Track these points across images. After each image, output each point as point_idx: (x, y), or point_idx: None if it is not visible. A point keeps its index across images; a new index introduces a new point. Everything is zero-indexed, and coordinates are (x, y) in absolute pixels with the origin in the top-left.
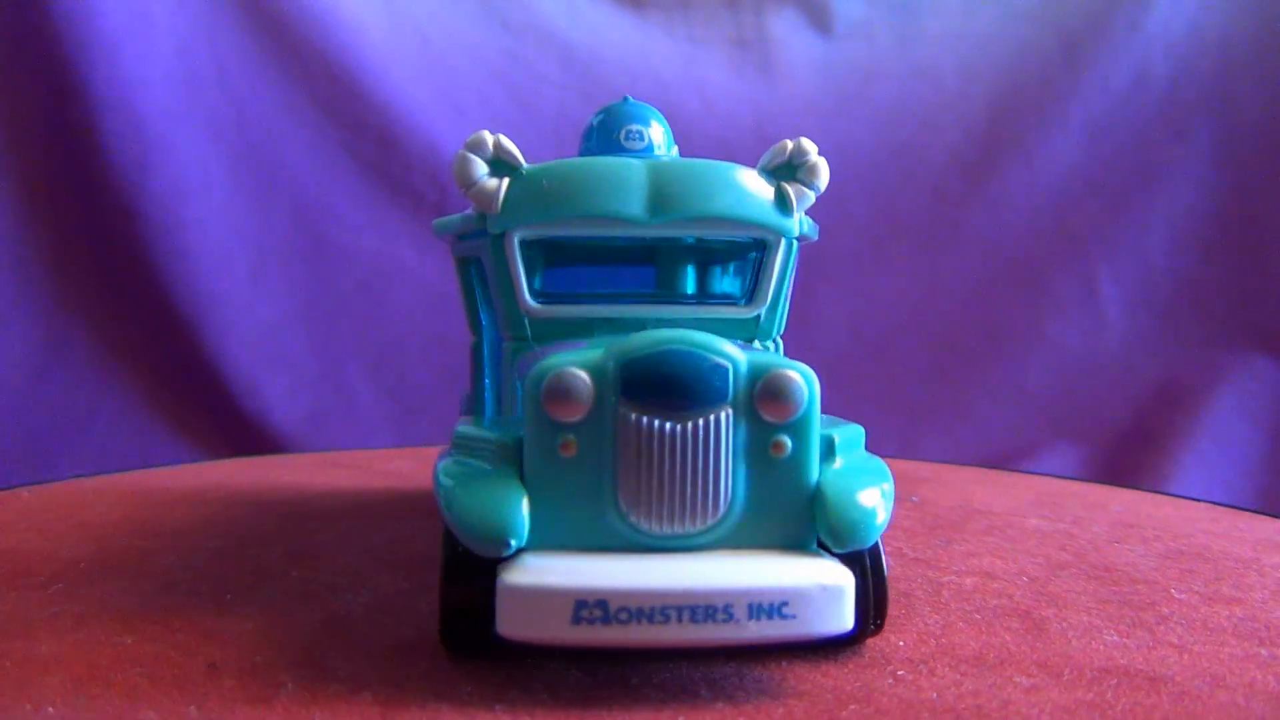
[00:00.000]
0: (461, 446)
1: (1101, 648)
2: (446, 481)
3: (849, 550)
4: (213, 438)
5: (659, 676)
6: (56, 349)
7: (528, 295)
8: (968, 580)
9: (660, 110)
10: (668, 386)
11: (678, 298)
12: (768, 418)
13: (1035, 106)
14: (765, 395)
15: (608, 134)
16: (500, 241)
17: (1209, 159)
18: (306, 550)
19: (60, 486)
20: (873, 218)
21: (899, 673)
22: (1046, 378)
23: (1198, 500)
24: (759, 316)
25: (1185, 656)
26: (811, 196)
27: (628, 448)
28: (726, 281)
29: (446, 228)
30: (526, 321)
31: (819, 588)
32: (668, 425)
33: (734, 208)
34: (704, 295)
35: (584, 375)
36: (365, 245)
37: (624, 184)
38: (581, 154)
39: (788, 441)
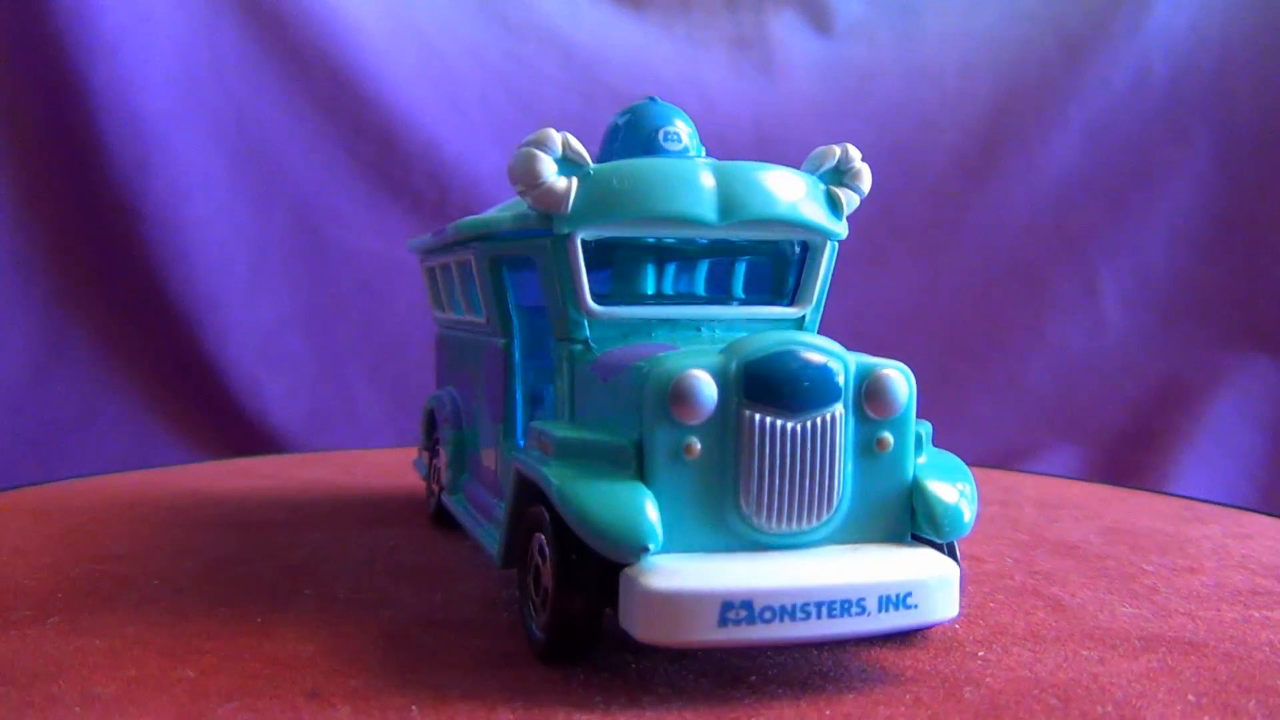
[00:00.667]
0: (565, 449)
1: (1127, 619)
2: (568, 486)
3: (948, 540)
4: (213, 438)
5: (774, 673)
6: (56, 349)
7: (589, 297)
8: (964, 564)
9: None
10: (789, 386)
11: (729, 298)
12: (872, 415)
13: (1035, 106)
14: (872, 393)
15: (641, 135)
16: (563, 243)
17: (1209, 159)
18: (319, 557)
19: (60, 486)
20: (873, 218)
21: (979, 654)
22: (1046, 378)
23: (1198, 500)
24: (804, 317)
25: (1199, 623)
26: (857, 200)
27: (749, 448)
28: (758, 282)
29: (476, 226)
30: (586, 323)
31: (937, 578)
32: (788, 424)
33: (795, 210)
34: (750, 296)
35: (708, 377)
36: (365, 245)
37: (695, 186)
38: (607, 155)
39: (890, 437)
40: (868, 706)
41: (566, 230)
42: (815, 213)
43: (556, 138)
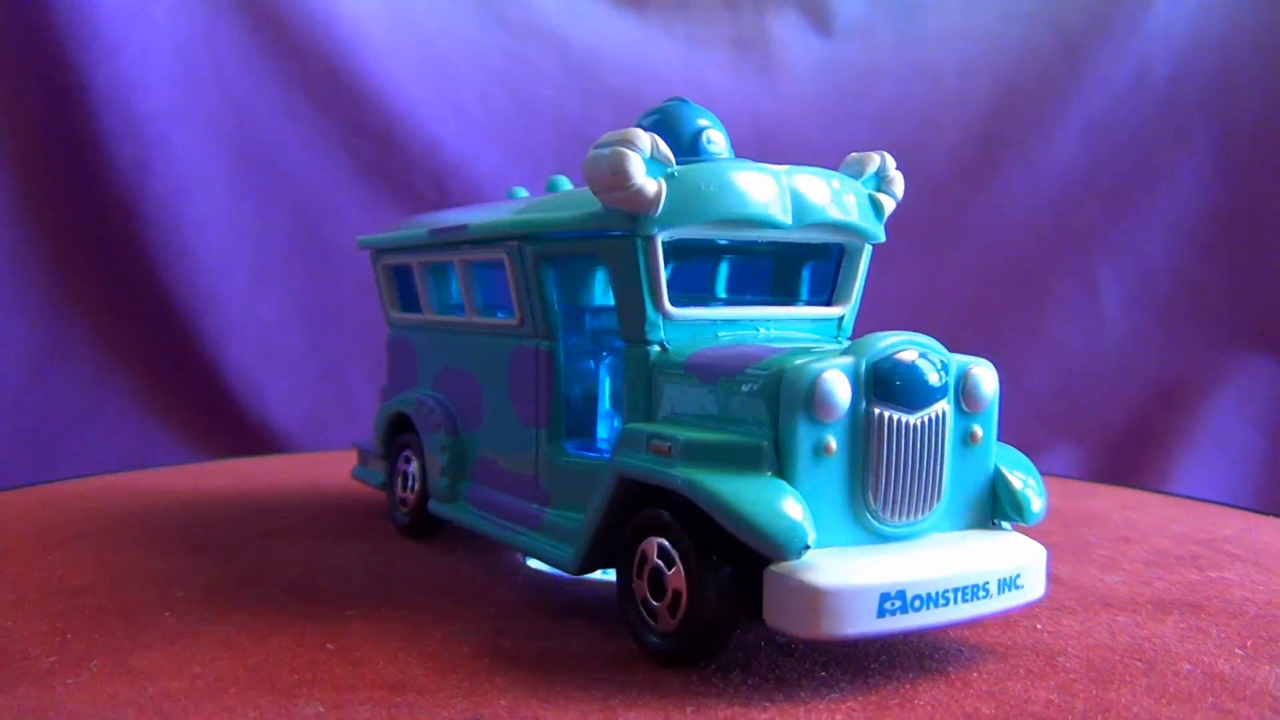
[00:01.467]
0: (693, 451)
1: (1119, 586)
2: (723, 488)
3: (1030, 524)
4: (213, 438)
5: (884, 660)
6: (56, 349)
7: (668, 298)
8: None
9: None
10: (911, 384)
11: (785, 299)
12: (967, 409)
13: (1035, 106)
14: (968, 388)
15: (681, 137)
16: (648, 244)
17: (1209, 159)
18: (337, 566)
19: (60, 486)
20: None
21: (1037, 625)
22: (1046, 378)
23: (1198, 500)
24: (843, 317)
25: (1175, 585)
26: (893, 205)
27: (878, 444)
28: (791, 283)
29: (523, 225)
30: (661, 324)
31: (1035, 560)
32: (908, 420)
33: (851, 214)
34: (788, 297)
35: (844, 378)
36: None
37: (773, 189)
38: None
39: (981, 430)
40: (997, 681)
41: (654, 232)
42: (865, 217)
43: (645, 138)
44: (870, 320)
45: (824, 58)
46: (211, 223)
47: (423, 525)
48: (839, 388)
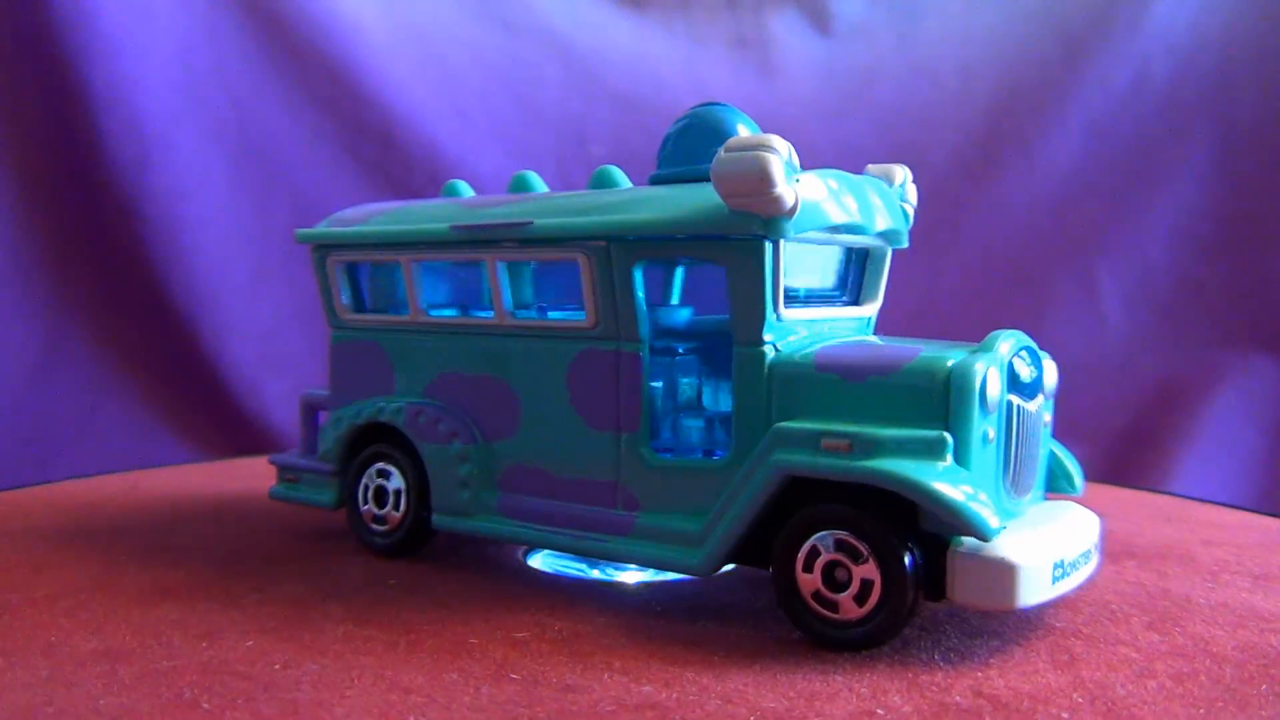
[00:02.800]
0: (876, 446)
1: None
2: (935, 479)
3: (1079, 494)
4: (213, 438)
5: (993, 640)
6: (56, 349)
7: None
8: None
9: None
10: (1035, 377)
11: (838, 299)
12: (1045, 396)
13: (1035, 106)
14: (1046, 378)
15: (710, 143)
16: (775, 247)
17: (1209, 159)
18: (357, 569)
19: (60, 487)
20: None
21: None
22: None
23: (1198, 500)
24: (873, 316)
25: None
26: (912, 214)
27: (1014, 431)
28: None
29: (619, 226)
30: (773, 326)
31: (1101, 528)
32: (1029, 408)
33: (896, 221)
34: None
35: (998, 372)
36: None
37: (861, 197)
38: (667, 160)
39: (1050, 414)
40: (1154, 647)
41: (784, 235)
42: (900, 224)
43: (784, 143)
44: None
45: (824, 58)
46: (211, 223)
47: (412, 543)
48: (998, 381)
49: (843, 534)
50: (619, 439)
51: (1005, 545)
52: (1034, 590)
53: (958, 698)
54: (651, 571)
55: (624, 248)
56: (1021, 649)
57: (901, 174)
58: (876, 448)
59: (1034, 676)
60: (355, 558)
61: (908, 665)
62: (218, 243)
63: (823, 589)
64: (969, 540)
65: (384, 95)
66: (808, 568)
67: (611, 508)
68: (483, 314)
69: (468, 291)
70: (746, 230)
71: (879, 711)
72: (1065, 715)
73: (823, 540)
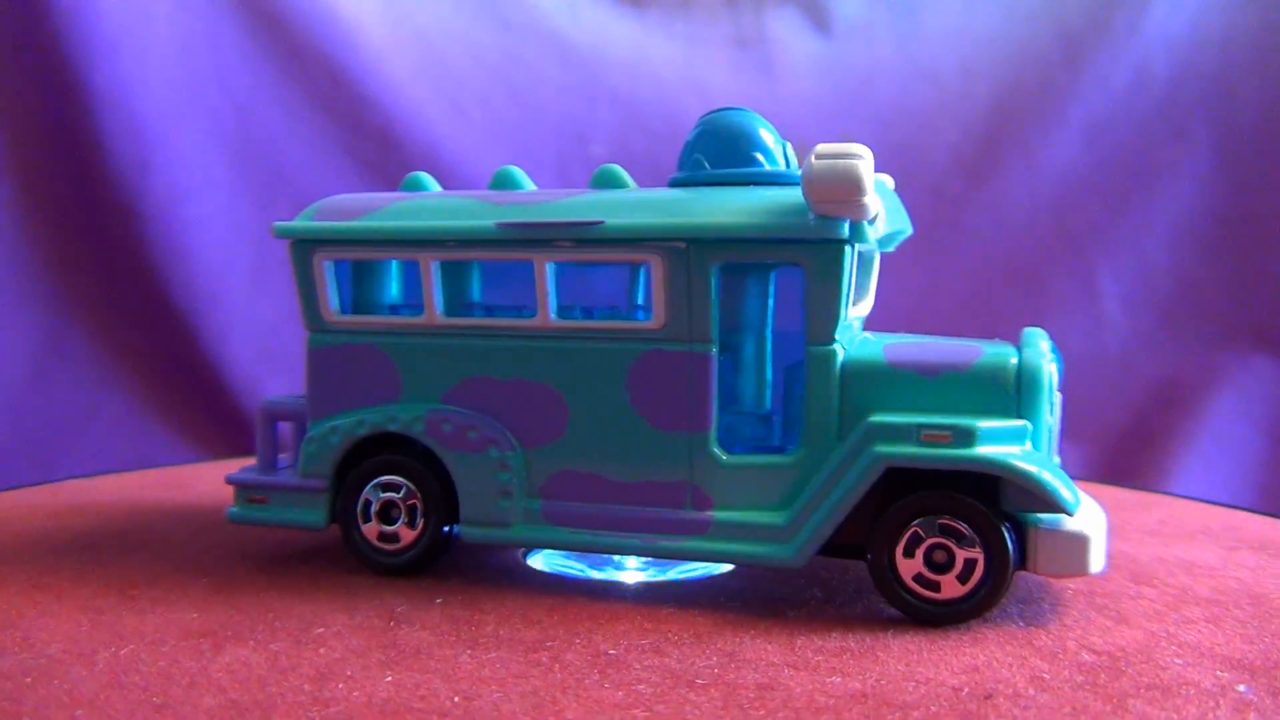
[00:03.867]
0: (968, 435)
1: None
2: (1039, 467)
3: None
4: (213, 438)
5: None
6: (56, 349)
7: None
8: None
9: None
10: (1061, 369)
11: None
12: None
13: (1035, 106)
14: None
15: (741, 147)
16: (854, 251)
17: (1209, 159)
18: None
19: (60, 487)
20: None
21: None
22: None
23: (1198, 500)
24: (865, 315)
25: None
26: None
27: (1053, 417)
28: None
29: (704, 229)
30: (844, 325)
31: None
32: (1061, 398)
33: (902, 225)
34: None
35: (1055, 365)
36: None
37: (898, 202)
38: (688, 164)
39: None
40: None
41: (865, 240)
42: (900, 229)
43: (868, 151)
44: (870, 320)
45: (824, 58)
46: (211, 223)
47: (426, 561)
48: (1056, 375)
49: (946, 519)
50: (690, 439)
51: (1078, 520)
52: (1100, 558)
53: (1085, 656)
54: (652, 571)
55: (704, 249)
56: (1074, 610)
57: (891, 183)
58: (974, 437)
59: (1113, 633)
60: (361, 576)
61: (1013, 633)
62: (218, 243)
63: (924, 571)
64: (1047, 517)
65: (384, 95)
66: (909, 552)
67: (682, 508)
68: (507, 315)
69: (491, 291)
70: (832, 234)
71: (1044, 677)
72: (1175, 660)
73: (925, 525)
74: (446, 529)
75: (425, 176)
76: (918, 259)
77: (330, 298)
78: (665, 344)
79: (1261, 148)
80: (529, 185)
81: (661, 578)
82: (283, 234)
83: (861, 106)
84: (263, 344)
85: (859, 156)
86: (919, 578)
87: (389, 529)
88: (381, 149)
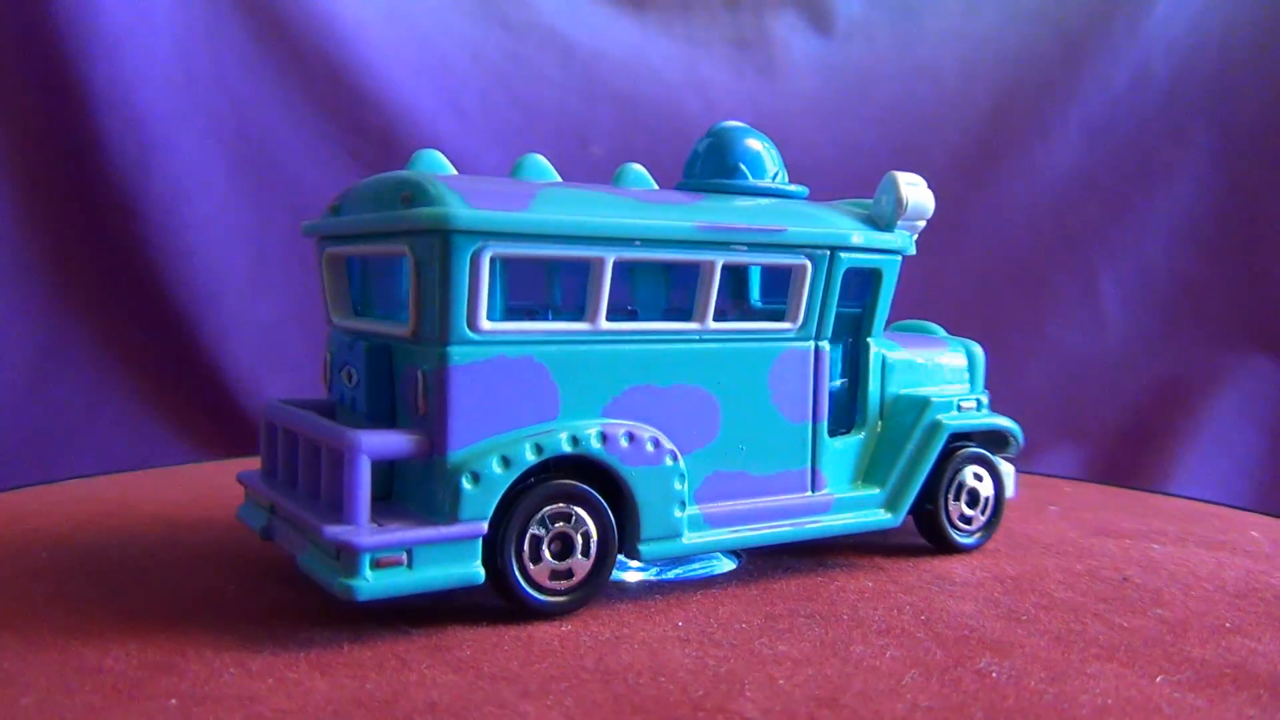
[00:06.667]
0: (980, 404)
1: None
2: (1012, 421)
3: None
4: (213, 438)
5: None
6: (56, 349)
7: None
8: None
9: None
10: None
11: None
12: None
13: (1036, 106)
14: None
15: (765, 161)
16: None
17: (1209, 159)
18: None
19: (60, 487)
20: None
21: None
22: (1046, 378)
23: (1198, 500)
24: None
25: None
26: None
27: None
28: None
29: (836, 238)
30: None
31: None
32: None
33: None
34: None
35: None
36: None
37: None
38: (692, 173)
39: None
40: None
41: (910, 252)
42: None
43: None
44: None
45: (824, 58)
46: (211, 223)
47: (595, 593)
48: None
49: (978, 466)
50: (815, 428)
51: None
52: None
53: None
54: (653, 571)
55: (840, 256)
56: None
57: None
58: (982, 405)
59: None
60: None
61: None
62: (218, 243)
63: (965, 509)
64: (1002, 459)
65: (384, 95)
66: (957, 496)
67: (805, 491)
68: (649, 319)
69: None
70: (906, 248)
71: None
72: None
73: (967, 472)
74: (618, 552)
75: (437, 155)
76: (917, 259)
77: (483, 302)
78: (796, 342)
79: (1261, 148)
80: (554, 176)
81: (662, 578)
82: (441, 225)
83: (861, 106)
84: (263, 344)
85: (919, 181)
86: (962, 516)
87: (560, 565)
88: (381, 149)
